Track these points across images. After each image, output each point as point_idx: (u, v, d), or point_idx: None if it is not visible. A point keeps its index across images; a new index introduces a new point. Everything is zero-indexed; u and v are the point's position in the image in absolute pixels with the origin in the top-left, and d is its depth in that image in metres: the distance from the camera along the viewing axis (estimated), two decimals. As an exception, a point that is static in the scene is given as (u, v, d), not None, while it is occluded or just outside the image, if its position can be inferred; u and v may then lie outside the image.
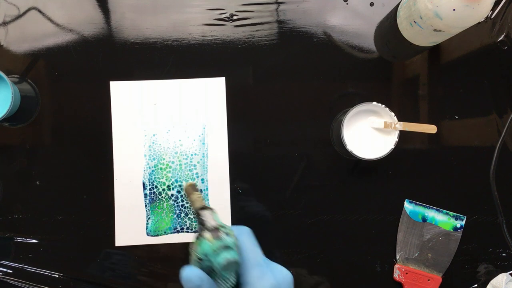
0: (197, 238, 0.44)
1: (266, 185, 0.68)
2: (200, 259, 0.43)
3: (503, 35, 0.68)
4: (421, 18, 0.57)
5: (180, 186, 0.68)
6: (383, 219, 0.68)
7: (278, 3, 0.69)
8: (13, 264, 0.67)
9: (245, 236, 0.47)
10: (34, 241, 0.68)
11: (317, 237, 0.68)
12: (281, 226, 0.68)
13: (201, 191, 0.52)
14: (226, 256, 0.42)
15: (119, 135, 0.68)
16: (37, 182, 0.68)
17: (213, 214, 0.45)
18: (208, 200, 0.68)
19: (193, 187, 0.49)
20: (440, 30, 0.57)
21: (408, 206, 0.68)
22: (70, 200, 0.68)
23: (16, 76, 0.68)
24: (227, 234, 0.44)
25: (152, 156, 0.68)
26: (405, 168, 0.68)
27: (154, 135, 0.68)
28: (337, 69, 0.69)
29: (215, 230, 0.43)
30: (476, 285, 0.68)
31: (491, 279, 0.67)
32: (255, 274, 0.44)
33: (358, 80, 0.69)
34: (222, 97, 0.68)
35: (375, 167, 0.68)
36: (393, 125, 0.62)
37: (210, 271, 0.44)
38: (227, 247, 0.43)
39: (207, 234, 0.43)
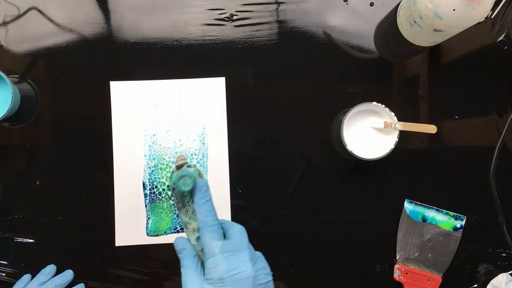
0: (171, 175, 0.53)
1: (266, 185, 0.68)
2: (173, 188, 0.52)
3: (503, 35, 0.68)
4: (421, 18, 0.57)
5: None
6: (383, 219, 0.68)
7: (278, 3, 0.69)
8: (13, 264, 0.67)
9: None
10: (34, 241, 0.68)
11: (317, 237, 0.68)
12: (281, 226, 0.68)
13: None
14: (182, 174, 0.51)
15: (119, 135, 0.68)
16: (37, 182, 0.68)
17: (184, 160, 0.54)
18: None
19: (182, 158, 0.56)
20: (440, 30, 0.57)
21: (408, 206, 0.68)
22: (70, 200, 0.68)
23: (16, 76, 0.68)
24: (189, 166, 0.52)
25: (152, 156, 0.68)
26: (405, 168, 0.68)
27: (154, 135, 0.68)
28: (337, 69, 0.69)
29: (180, 166, 0.52)
30: (476, 285, 0.68)
31: (491, 279, 0.67)
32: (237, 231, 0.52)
33: (358, 80, 0.69)
34: (222, 97, 0.68)
35: (375, 167, 0.68)
36: (393, 125, 0.62)
37: (180, 196, 0.52)
38: (188, 176, 0.52)
39: (174, 168, 0.53)
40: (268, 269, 0.52)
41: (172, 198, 0.53)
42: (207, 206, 0.52)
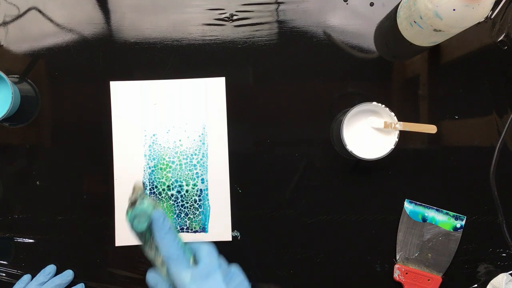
0: (126, 213, 0.52)
1: (266, 185, 0.68)
2: (131, 226, 0.51)
3: (503, 35, 0.68)
4: (421, 18, 0.57)
5: (180, 186, 0.68)
6: (383, 219, 0.68)
7: (278, 3, 0.69)
8: (13, 264, 0.67)
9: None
10: (34, 241, 0.68)
11: (317, 237, 0.68)
12: (281, 226, 0.68)
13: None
14: (135, 213, 0.50)
15: (119, 135, 0.68)
16: (37, 182, 0.68)
17: (138, 194, 0.52)
18: (208, 200, 0.68)
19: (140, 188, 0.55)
20: (440, 30, 0.57)
21: (408, 206, 0.68)
22: (70, 200, 0.68)
23: (16, 76, 0.68)
24: (142, 199, 0.51)
25: (152, 156, 0.68)
26: (405, 168, 0.68)
27: (154, 135, 0.68)
28: (337, 69, 0.69)
29: (134, 202, 0.51)
30: (476, 285, 0.68)
31: (491, 279, 0.67)
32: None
33: (358, 80, 0.69)
34: (222, 97, 0.68)
35: (375, 167, 0.68)
36: (393, 125, 0.62)
37: (140, 234, 0.51)
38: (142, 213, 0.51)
39: (129, 205, 0.51)
40: (245, 283, 0.51)
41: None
42: (168, 237, 0.50)
